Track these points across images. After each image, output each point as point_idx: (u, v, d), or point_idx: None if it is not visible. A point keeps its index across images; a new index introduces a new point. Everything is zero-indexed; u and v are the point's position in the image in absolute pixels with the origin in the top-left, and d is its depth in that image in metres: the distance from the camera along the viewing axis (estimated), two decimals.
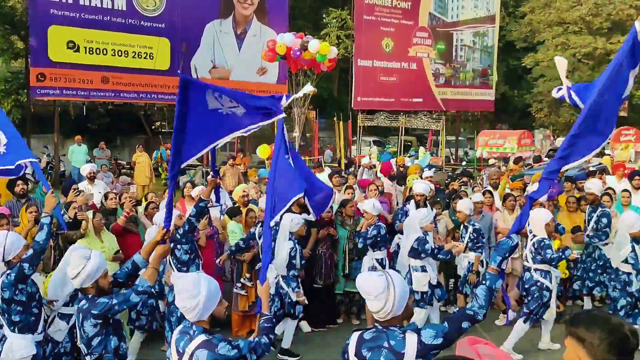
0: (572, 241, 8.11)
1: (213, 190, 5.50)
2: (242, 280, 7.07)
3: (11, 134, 5.93)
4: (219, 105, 4.74)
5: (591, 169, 12.81)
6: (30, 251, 4.50)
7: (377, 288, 3.04)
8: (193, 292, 3.19)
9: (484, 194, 9.01)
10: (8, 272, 4.44)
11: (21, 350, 4.41)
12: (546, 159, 20.49)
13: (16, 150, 5.87)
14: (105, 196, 7.86)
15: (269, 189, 4.95)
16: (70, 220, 6.61)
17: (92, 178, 9.93)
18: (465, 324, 3.19)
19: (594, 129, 4.29)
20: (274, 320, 3.65)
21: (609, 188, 9.29)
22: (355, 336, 3.11)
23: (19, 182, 8.08)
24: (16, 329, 4.46)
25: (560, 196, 9.12)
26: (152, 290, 3.92)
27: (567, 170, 5.32)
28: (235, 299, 7.14)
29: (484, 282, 3.46)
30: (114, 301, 3.70)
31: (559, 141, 29.28)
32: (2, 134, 5.85)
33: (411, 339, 2.98)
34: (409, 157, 19.95)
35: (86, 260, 3.74)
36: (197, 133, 4.68)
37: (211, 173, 5.81)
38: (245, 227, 7.47)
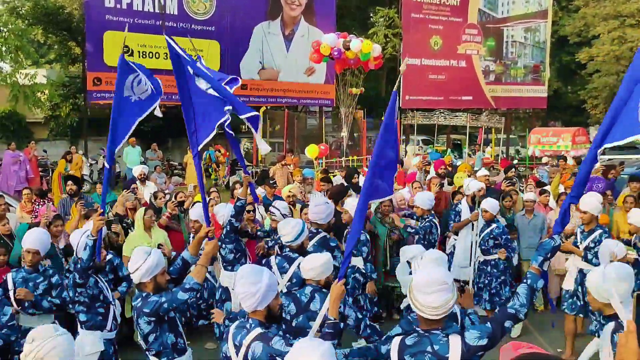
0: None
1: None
2: None
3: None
4: (204, 86, 4.70)
5: None
6: (78, 266, 4.68)
7: (449, 278, 3.05)
8: (256, 279, 3.28)
9: (541, 193, 8.82)
10: (73, 274, 4.69)
11: (89, 346, 4.58)
12: (602, 156, 19.84)
13: None
14: (155, 195, 8.16)
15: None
16: (113, 218, 7.05)
17: (142, 179, 10.28)
18: (507, 323, 3.15)
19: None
20: (340, 325, 3.46)
21: None
22: (396, 342, 3.06)
23: (69, 182, 8.72)
24: (84, 327, 4.68)
25: (620, 195, 8.84)
26: (200, 287, 3.97)
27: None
28: None
29: (525, 280, 3.39)
30: (163, 299, 3.78)
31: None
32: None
33: (455, 342, 2.94)
34: (426, 154, 19.72)
35: (147, 256, 3.86)
36: (204, 114, 4.62)
37: (243, 172, 5.87)
38: None
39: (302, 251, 4.98)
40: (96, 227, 4.59)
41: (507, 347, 2.69)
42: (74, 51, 27.65)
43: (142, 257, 3.86)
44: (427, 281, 3.03)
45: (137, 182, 10.23)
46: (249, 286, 3.27)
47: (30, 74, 18.57)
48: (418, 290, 3.04)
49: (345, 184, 9.14)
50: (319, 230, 5.79)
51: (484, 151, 24.01)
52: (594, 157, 3.73)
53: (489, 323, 3.10)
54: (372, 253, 7.37)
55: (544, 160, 18.98)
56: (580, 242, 6.39)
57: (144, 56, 18.23)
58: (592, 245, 6.25)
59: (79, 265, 4.65)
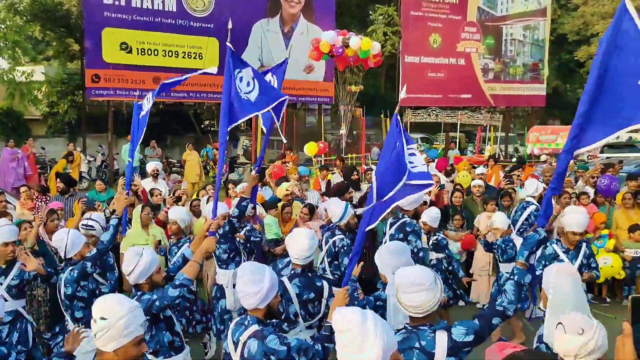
0: (630, 239, 7.88)
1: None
2: None
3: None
4: (239, 90, 5.35)
5: None
6: (94, 250, 4.69)
7: (430, 278, 3.02)
8: (258, 278, 3.25)
9: None
10: (71, 268, 4.64)
11: (85, 344, 4.56)
12: (600, 154, 19.84)
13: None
14: (151, 193, 8.16)
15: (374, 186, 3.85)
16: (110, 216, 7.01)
17: (155, 176, 10.27)
18: (495, 320, 3.14)
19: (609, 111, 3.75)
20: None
21: None
22: None
23: (58, 179, 8.89)
24: (80, 325, 4.64)
25: (619, 193, 8.87)
26: (191, 283, 3.88)
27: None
28: None
29: (512, 277, 3.35)
30: (154, 297, 3.71)
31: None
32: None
33: (441, 338, 2.94)
34: (421, 151, 19.68)
35: (139, 257, 3.78)
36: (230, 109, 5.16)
37: (255, 169, 5.85)
38: (280, 222, 7.57)
39: (348, 230, 6.14)
40: (122, 205, 4.80)
41: (492, 348, 2.68)
42: (73, 48, 27.58)
43: (134, 259, 3.78)
44: (406, 282, 3.04)
45: (150, 177, 10.29)
46: (250, 285, 3.23)
47: (27, 71, 18.51)
48: (401, 290, 3.06)
49: (345, 182, 9.14)
50: (404, 215, 5.99)
51: (482, 150, 24.03)
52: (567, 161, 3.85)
53: (476, 319, 3.09)
54: (371, 250, 7.36)
55: (543, 158, 18.99)
56: (572, 263, 5.66)
57: (143, 53, 18.22)
58: (584, 261, 5.80)
59: (94, 250, 4.65)
